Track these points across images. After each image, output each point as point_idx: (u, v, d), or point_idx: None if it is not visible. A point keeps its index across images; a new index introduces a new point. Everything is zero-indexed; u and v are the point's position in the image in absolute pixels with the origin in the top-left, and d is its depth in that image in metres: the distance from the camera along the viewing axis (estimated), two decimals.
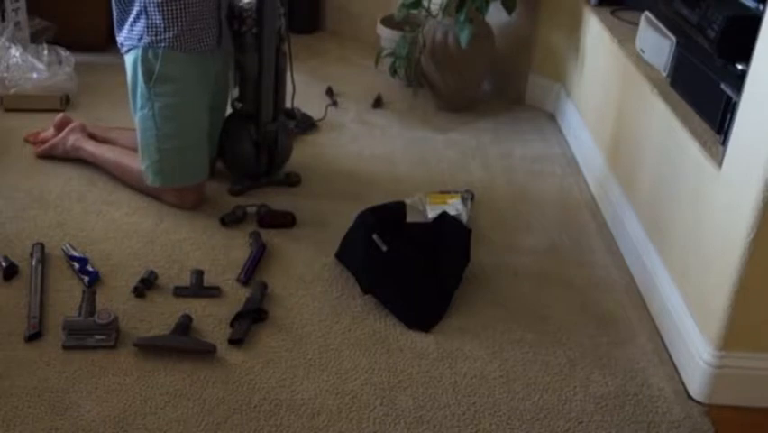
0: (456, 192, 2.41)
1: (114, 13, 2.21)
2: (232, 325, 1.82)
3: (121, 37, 2.21)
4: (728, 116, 1.70)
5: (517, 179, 2.62)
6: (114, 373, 1.68)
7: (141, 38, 2.14)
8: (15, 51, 2.91)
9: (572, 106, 2.88)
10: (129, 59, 2.21)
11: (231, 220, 2.23)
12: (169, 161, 2.24)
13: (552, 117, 3.09)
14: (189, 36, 2.16)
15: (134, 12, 2.14)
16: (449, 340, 1.84)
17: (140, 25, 2.14)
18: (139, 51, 2.15)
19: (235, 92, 2.40)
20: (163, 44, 2.14)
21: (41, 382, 1.64)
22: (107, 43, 3.37)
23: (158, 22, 2.12)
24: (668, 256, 1.92)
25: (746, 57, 1.57)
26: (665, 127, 1.96)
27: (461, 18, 2.81)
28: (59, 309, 1.85)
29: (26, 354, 1.72)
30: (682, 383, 1.75)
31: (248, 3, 2.27)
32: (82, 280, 1.95)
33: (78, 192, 2.36)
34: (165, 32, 2.13)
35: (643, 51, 2.26)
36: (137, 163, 2.32)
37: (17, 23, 3.13)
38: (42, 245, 2.05)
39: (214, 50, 2.25)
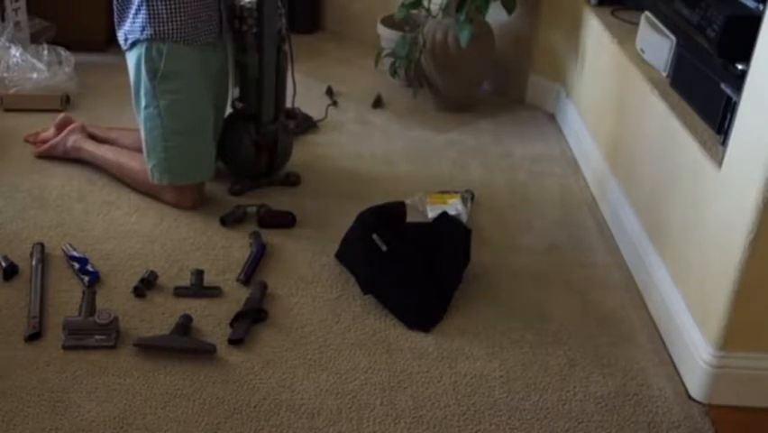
0: (456, 192, 2.41)
1: (115, 8, 2.19)
2: (232, 325, 1.82)
3: (123, 31, 2.18)
4: (728, 116, 1.70)
5: (517, 179, 2.62)
6: (114, 373, 1.68)
7: (143, 29, 2.12)
8: (15, 51, 2.91)
9: (572, 106, 2.88)
10: (132, 58, 2.19)
11: (231, 220, 2.23)
12: (176, 158, 2.23)
13: (552, 117, 3.09)
14: (192, 27, 2.15)
15: (136, 2, 2.13)
16: (449, 340, 1.84)
17: (142, 16, 2.12)
18: (142, 49, 2.14)
19: (236, 92, 2.40)
20: (166, 36, 2.12)
21: (41, 382, 1.64)
22: (107, 43, 3.38)
23: (161, 11, 2.10)
24: (668, 256, 1.92)
25: (746, 57, 1.57)
26: (665, 127, 1.96)
27: (461, 18, 2.81)
28: (59, 309, 1.85)
29: (26, 354, 1.72)
30: (682, 383, 1.75)
31: (249, 2, 2.26)
32: (82, 280, 1.95)
33: (78, 192, 2.36)
34: (168, 21, 2.11)
35: (643, 51, 2.26)
36: (137, 163, 2.32)
37: (17, 23, 3.13)
38: (42, 245, 2.05)
39: (216, 44, 2.25)
